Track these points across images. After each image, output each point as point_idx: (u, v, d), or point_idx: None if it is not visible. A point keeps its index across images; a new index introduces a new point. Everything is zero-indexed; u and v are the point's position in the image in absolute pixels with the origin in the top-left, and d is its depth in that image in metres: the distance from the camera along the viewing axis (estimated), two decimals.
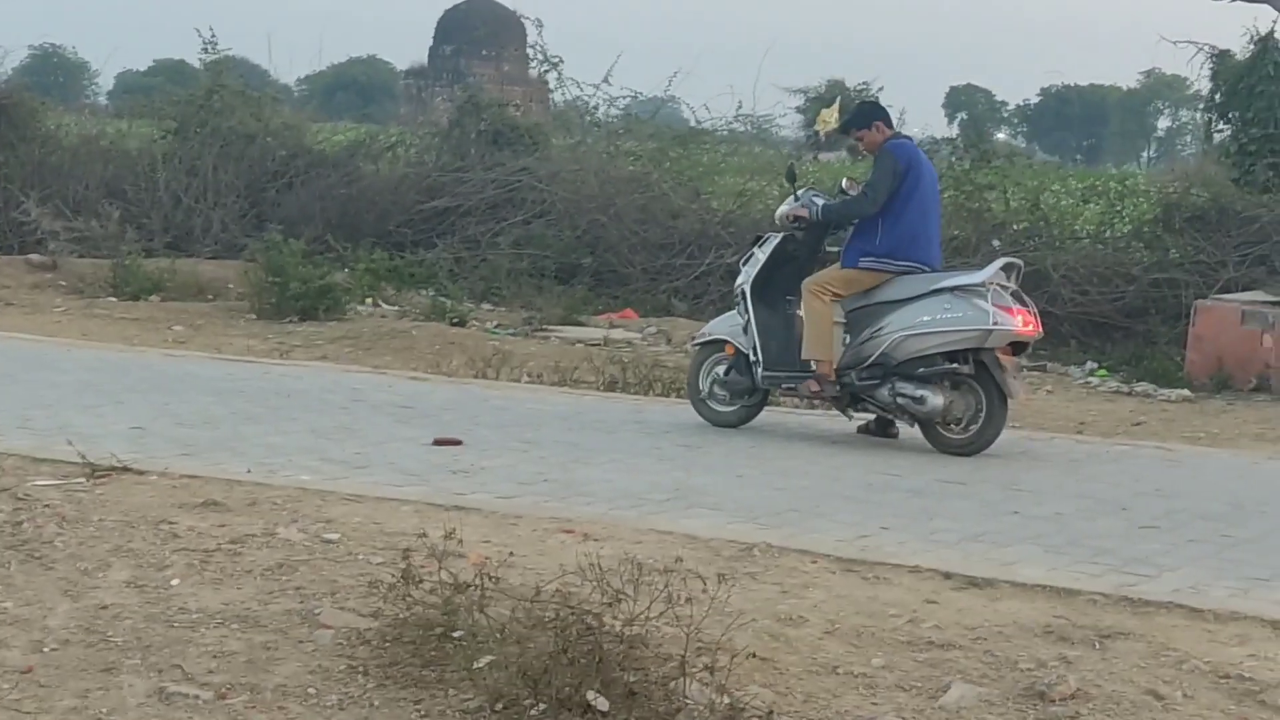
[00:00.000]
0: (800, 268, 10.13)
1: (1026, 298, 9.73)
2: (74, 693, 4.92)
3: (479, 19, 51.68)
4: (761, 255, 10.15)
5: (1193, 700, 5.02)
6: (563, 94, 22.84)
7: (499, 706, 4.76)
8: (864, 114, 10.33)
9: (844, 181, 10.64)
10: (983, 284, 9.48)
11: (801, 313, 9.97)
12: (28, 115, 21.35)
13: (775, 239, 10.16)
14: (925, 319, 9.48)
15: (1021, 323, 9.45)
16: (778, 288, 10.10)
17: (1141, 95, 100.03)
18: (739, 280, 10.24)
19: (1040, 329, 9.73)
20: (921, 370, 9.45)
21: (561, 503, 7.55)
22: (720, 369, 10.16)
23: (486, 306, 17.56)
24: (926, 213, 9.83)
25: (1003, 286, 9.54)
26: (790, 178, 10.63)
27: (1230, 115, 21.76)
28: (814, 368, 9.74)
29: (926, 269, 9.68)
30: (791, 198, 10.26)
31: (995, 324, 9.36)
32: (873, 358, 9.57)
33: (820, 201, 10.08)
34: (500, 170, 20.24)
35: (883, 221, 9.70)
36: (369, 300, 17.07)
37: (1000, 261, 9.71)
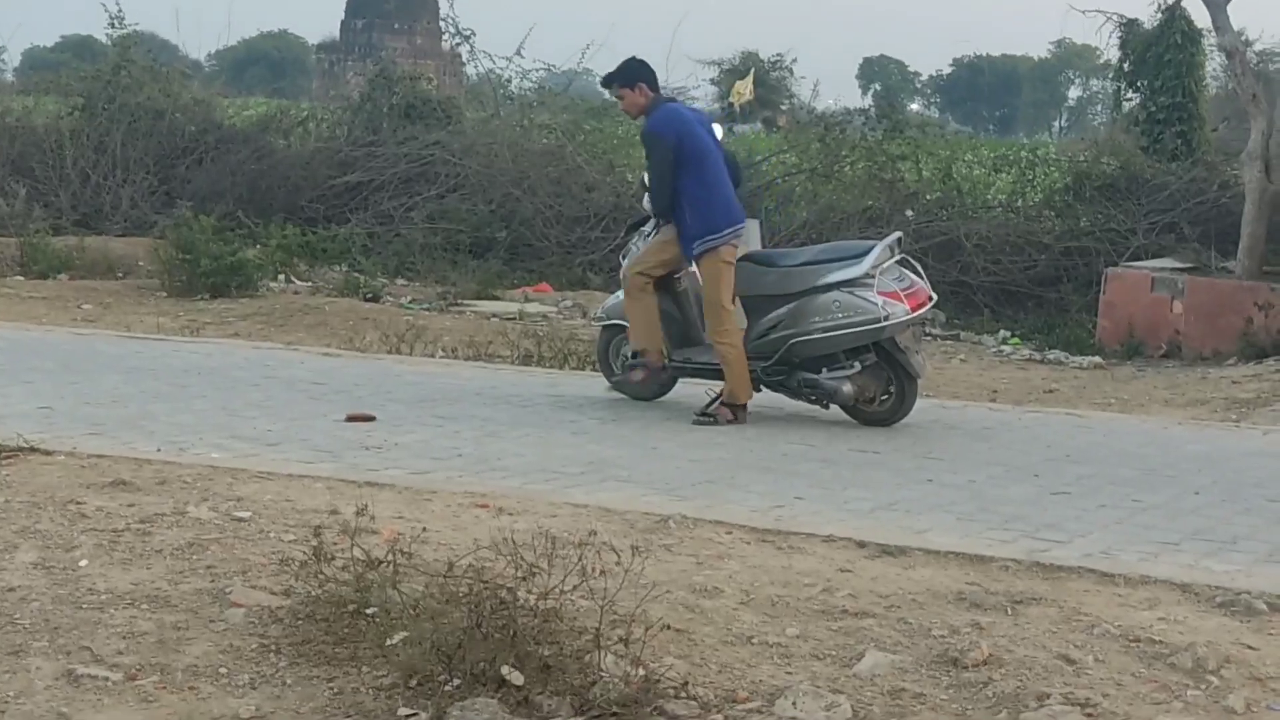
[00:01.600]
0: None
1: (915, 265, 9.74)
2: None
3: None
4: (638, 245, 9.99)
5: (1104, 664, 5.06)
6: (475, 67, 22.80)
7: (413, 682, 4.73)
8: (629, 71, 9.78)
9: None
10: (868, 273, 9.43)
11: (687, 288, 9.86)
12: None
13: (650, 225, 9.98)
14: (816, 321, 9.40)
15: (910, 305, 9.41)
16: (666, 272, 9.94)
17: (1052, 65, 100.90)
18: (623, 270, 10.04)
19: (932, 298, 9.67)
20: (824, 369, 9.44)
21: (476, 477, 7.52)
22: (627, 350, 10.05)
23: (400, 282, 17.48)
24: (719, 173, 9.58)
25: (887, 267, 9.47)
26: (643, 184, 10.31)
27: (1139, 84, 22.01)
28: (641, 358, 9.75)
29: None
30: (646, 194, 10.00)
31: (886, 318, 9.32)
32: (776, 356, 9.51)
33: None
34: (413, 144, 20.14)
35: (686, 202, 9.47)
36: (281, 276, 16.95)
37: (878, 248, 9.55)
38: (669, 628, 5.18)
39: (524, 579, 4.94)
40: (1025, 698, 4.74)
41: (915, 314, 9.44)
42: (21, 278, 16.37)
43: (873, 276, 9.39)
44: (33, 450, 7.46)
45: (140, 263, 17.43)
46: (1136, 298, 15.97)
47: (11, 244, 17.30)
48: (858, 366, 9.40)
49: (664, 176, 9.44)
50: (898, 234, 9.95)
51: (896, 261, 9.56)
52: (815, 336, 9.41)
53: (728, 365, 9.42)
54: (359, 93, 22.09)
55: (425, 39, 51.86)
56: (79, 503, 6.53)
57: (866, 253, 9.53)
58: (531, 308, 15.93)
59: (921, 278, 9.62)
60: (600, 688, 4.67)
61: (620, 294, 10.24)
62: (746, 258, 9.68)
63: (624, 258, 10.12)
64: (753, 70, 18.97)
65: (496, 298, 16.57)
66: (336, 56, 56.46)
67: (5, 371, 10.20)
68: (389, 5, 54.51)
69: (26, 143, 20.97)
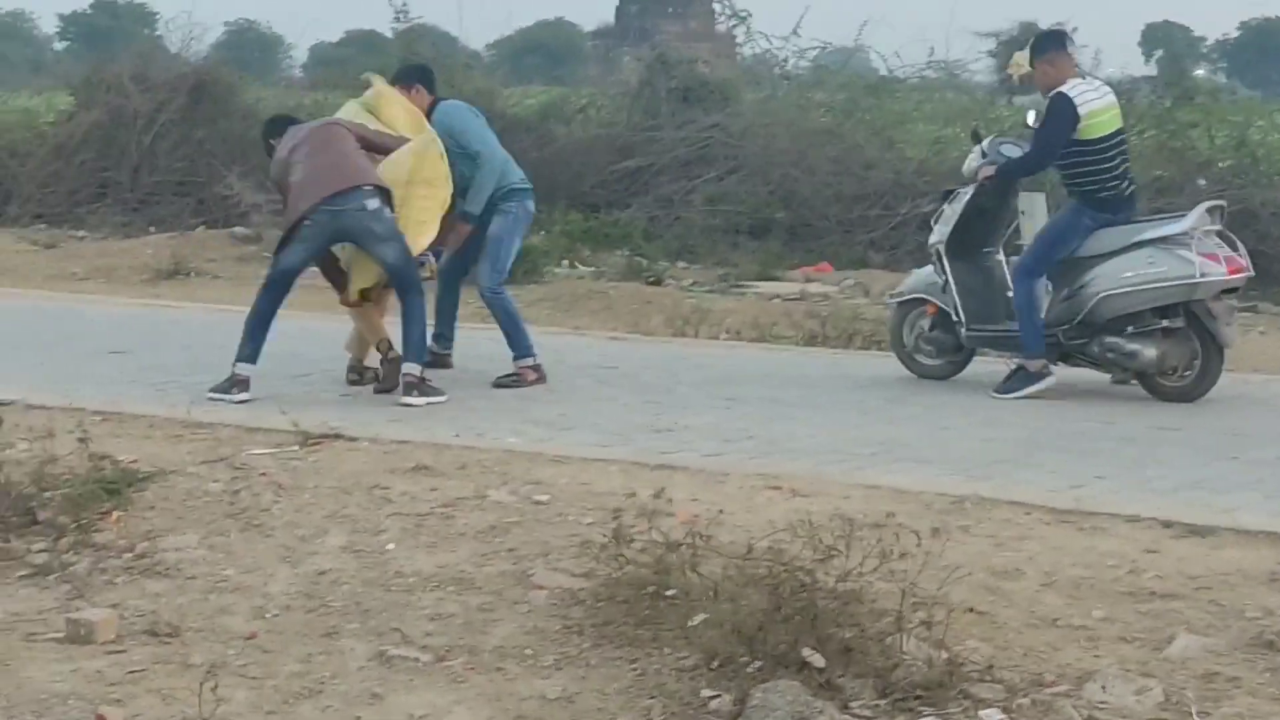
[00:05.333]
0: (994, 219, 9.94)
1: (1233, 238, 9.45)
2: (297, 658, 5.02)
3: None
4: (952, 212, 9.93)
5: None
6: (751, 48, 22.72)
7: (714, 664, 4.76)
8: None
9: (1029, 115, 10.31)
10: (1186, 233, 9.20)
11: (1001, 260, 9.83)
12: (227, 91, 21.73)
13: (965, 193, 9.94)
14: (1129, 275, 9.22)
15: (1228, 269, 9.16)
16: (974, 242, 9.90)
17: None
18: (932, 239, 10.04)
19: (1249, 270, 9.43)
20: (1130, 328, 9.24)
21: (767, 459, 7.52)
22: (924, 324, 10.01)
23: (682, 265, 17.55)
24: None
25: (1207, 231, 9.26)
26: (975, 139, 10.33)
27: None
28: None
29: None
30: (978, 151, 10.00)
31: (1202, 275, 9.08)
32: (1080, 316, 9.35)
33: (1010, 151, 9.84)
34: (691, 128, 20.17)
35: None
36: (565, 262, 17.15)
37: (1202, 206, 9.39)
38: (971, 610, 5.14)
39: (822, 561, 4.93)
40: None
41: (1231, 278, 9.18)
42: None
43: (1191, 236, 9.17)
44: (338, 437, 7.69)
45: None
46: None
47: None
48: (1164, 323, 9.17)
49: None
50: (1221, 202, 9.68)
51: (1215, 231, 9.30)
52: (1125, 290, 9.20)
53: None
54: (637, 78, 22.23)
55: (699, 21, 52.05)
56: (384, 487, 6.72)
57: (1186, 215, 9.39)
58: (813, 288, 15.85)
59: (1240, 252, 9.33)
60: (903, 670, 4.64)
61: (924, 269, 10.24)
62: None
63: (935, 222, 10.07)
64: (1031, 41, 18.53)
65: (777, 278, 16.52)
66: (611, 43, 57.00)
67: (307, 360, 10.41)
68: None
69: None
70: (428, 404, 8.83)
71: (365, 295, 9.34)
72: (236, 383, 8.93)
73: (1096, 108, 9.37)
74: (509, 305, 9.72)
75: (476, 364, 9.82)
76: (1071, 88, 9.35)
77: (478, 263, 9.72)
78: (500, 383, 9.53)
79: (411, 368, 8.98)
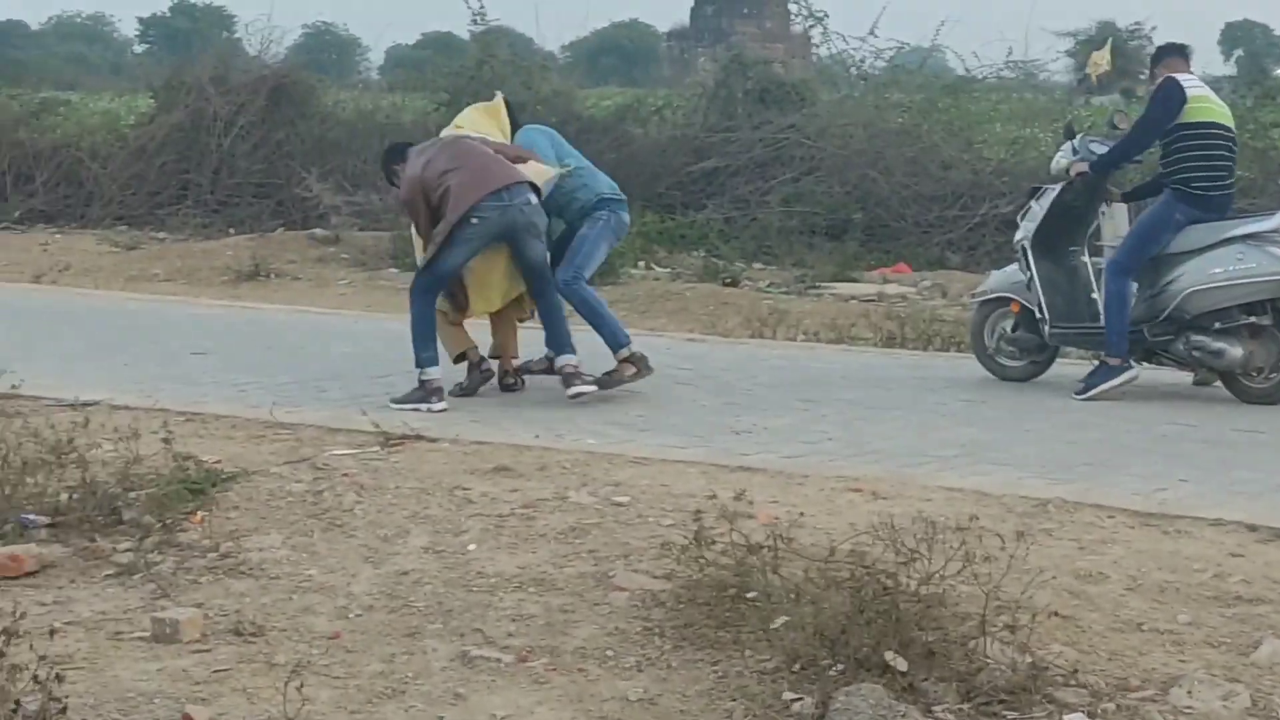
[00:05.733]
0: (1080, 217, 9.89)
1: None
2: (380, 658, 5.05)
3: None
4: (1039, 209, 9.90)
5: None
6: (827, 48, 22.65)
7: (796, 667, 4.75)
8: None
9: (1115, 116, 10.27)
10: (1276, 229, 9.14)
11: (1086, 261, 9.77)
12: (306, 93, 21.87)
13: (1052, 190, 9.90)
14: (1217, 271, 9.16)
15: None
16: (1059, 240, 9.86)
17: None
18: (1018, 235, 10.01)
19: None
20: (1217, 324, 9.16)
21: (847, 461, 7.50)
22: (1006, 324, 9.96)
23: (758, 266, 17.52)
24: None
25: None
26: (1069, 134, 10.30)
27: None
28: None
29: None
30: (1069, 148, 9.97)
31: None
32: (1166, 312, 9.29)
33: (1098, 149, 9.79)
34: (767, 128, 20.13)
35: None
36: (641, 263, 17.15)
37: None
38: (1055, 614, 5.11)
39: (904, 564, 4.92)
40: None
41: None
42: (395, 270, 16.91)
43: None
44: (418, 438, 7.73)
45: None
46: None
47: (385, 238, 17.89)
48: (1250, 319, 9.09)
49: None
50: None
51: None
52: (1213, 286, 9.15)
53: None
54: (713, 79, 22.21)
55: (774, 22, 51.91)
56: (464, 488, 6.74)
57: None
58: (890, 289, 15.80)
59: None
60: (986, 674, 4.63)
61: (1007, 268, 10.21)
62: None
63: (1021, 218, 10.04)
64: (1110, 40, 18.36)
65: (854, 279, 16.47)
66: (686, 44, 56.97)
67: (386, 362, 10.44)
68: None
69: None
70: (589, 392, 8.99)
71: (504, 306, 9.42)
72: (432, 390, 8.90)
73: (1202, 94, 9.38)
74: (588, 295, 9.48)
75: None
76: (1182, 75, 9.45)
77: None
78: (600, 381, 9.30)
79: (567, 359, 9.12)
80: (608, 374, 9.36)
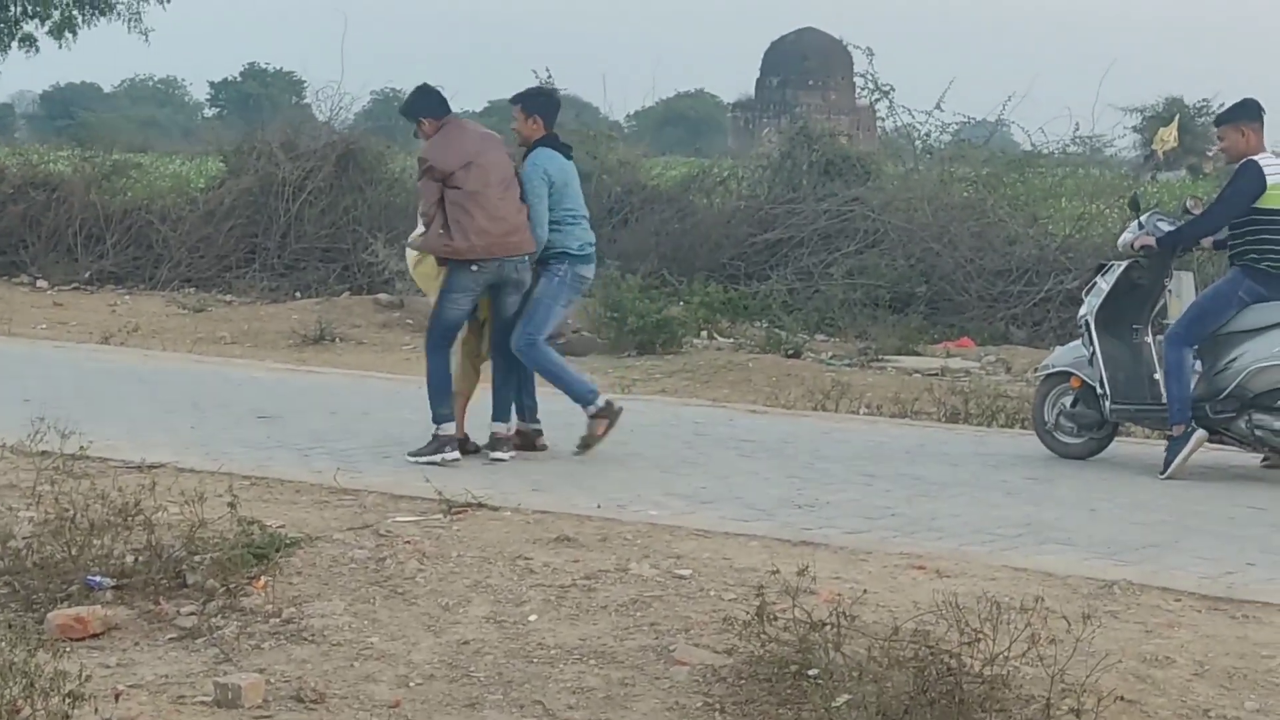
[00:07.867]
0: (1146, 296, 9.85)
1: None
2: None
3: (807, 49, 51.77)
4: (1105, 284, 9.88)
5: None
6: (893, 121, 22.68)
7: None
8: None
9: (1188, 201, 10.29)
10: None
11: (1149, 341, 9.72)
12: (373, 159, 22.05)
13: (1119, 267, 9.89)
14: None
15: None
16: (1123, 317, 9.83)
17: None
18: (1082, 311, 10.00)
19: None
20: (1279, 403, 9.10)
21: (910, 538, 7.46)
22: (1066, 400, 9.92)
23: (821, 337, 17.52)
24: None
25: None
26: (1134, 206, 10.30)
27: None
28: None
29: None
30: (1135, 224, 9.97)
31: None
32: (1228, 390, 9.23)
33: (1165, 227, 9.77)
34: (832, 200, 20.18)
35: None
36: (704, 333, 17.18)
37: None
38: (1120, 699, 5.06)
39: (969, 644, 4.89)
40: None
41: None
42: None
43: None
44: (481, 506, 7.74)
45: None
46: None
47: None
48: None
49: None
50: None
51: None
52: (1275, 364, 9.09)
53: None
54: (779, 150, 22.28)
55: (839, 95, 52.15)
56: (526, 558, 6.74)
57: None
58: (954, 363, 15.75)
59: None
60: None
61: (1071, 344, 10.20)
62: None
63: (1086, 294, 10.02)
64: (1177, 116, 18.39)
65: (917, 353, 16.44)
66: (751, 114, 57.26)
67: None
68: (807, 63, 54.98)
69: None
70: (505, 459, 9.24)
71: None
72: (445, 442, 9.19)
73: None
74: (547, 357, 9.43)
75: (620, 434, 9.78)
76: (1262, 158, 9.35)
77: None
78: (579, 446, 9.42)
79: (499, 426, 9.43)
80: (584, 439, 9.45)
